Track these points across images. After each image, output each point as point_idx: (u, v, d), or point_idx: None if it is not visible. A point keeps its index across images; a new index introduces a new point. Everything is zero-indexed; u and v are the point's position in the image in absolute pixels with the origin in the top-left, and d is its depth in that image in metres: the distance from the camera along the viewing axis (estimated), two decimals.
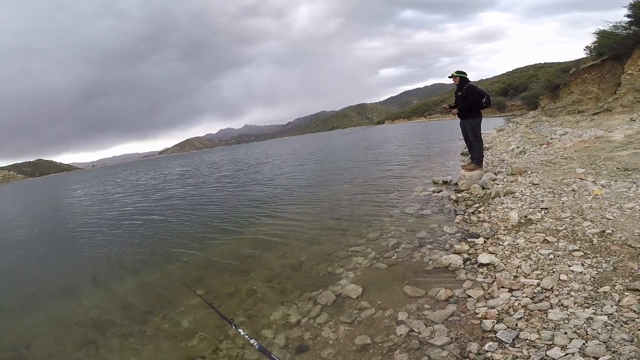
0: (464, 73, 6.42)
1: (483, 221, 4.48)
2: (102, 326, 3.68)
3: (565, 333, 2.05)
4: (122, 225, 8.81)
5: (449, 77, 6.52)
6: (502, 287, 2.80)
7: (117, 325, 3.64)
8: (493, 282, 2.94)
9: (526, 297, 2.55)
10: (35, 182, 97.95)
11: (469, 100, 6.26)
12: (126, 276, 5.05)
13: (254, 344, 1.71)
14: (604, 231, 3.22)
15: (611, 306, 2.17)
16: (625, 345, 1.82)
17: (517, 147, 9.51)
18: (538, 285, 2.64)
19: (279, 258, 4.72)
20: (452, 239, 4.20)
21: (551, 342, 2.01)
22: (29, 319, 4.14)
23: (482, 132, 6.74)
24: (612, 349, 1.82)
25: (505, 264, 3.16)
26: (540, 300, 2.46)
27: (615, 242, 2.99)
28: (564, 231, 3.46)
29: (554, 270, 2.80)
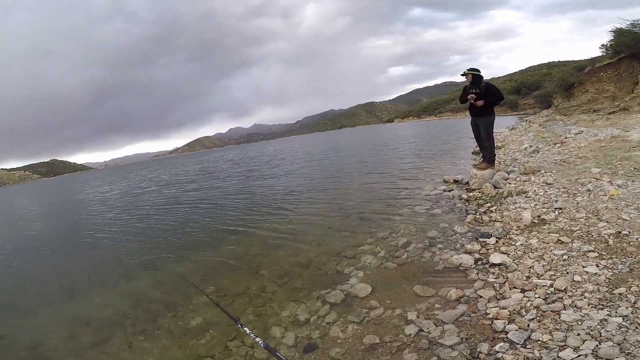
0: (478, 70, 6.31)
1: (495, 221, 4.42)
2: (114, 324, 3.74)
3: (578, 334, 2.01)
4: (135, 224, 8.95)
5: (462, 74, 6.42)
6: (514, 287, 2.76)
7: (130, 323, 3.70)
8: (505, 282, 2.90)
9: (539, 297, 2.51)
10: (50, 182, 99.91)
11: (491, 98, 6.19)
12: (138, 275, 5.12)
13: (260, 342, 1.72)
14: (620, 232, 3.15)
15: (626, 308, 2.12)
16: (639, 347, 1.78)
17: (530, 146, 9.35)
18: (551, 286, 2.60)
19: (289, 257, 4.73)
20: (463, 239, 4.16)
21: (564, 344, 1.98)
22: (44, 317, 4.24)
23: (494, 130, 6.64)
24: (626, 351, 1.78)
25: (517, 264, 3.12)
26: (553, 301, 2.41)
27: (631, 244, 2.92)
28: (578, 232, 3.40)
29: (567, 271, 2.75)
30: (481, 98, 6.19)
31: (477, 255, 3.55)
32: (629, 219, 3.37)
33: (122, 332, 3.55)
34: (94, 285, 5.04)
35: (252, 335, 1.79)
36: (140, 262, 5.66)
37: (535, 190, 5.05)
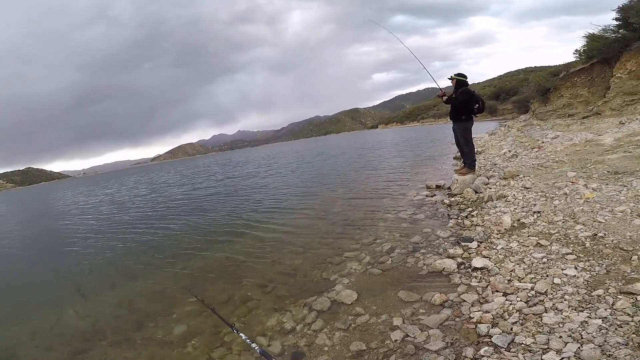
0: (464, 76, 6.48)
1: (476, 225, 4.50)
2: (94, 335, 3.62)
3: (561, 337, 2.05)
4: (115, 233, 8.70)
5: (449, 78, 6.63)
6: (497, 291, 2.80)
7: (110, 333, 3.59)
8: (487, 286, 2.94)
9: (520, 301, 2.55)
10: (25, 190, 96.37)
11: (457, 101, 6.39)
12: (118, 284, 4.98)
13: (256, 348, 1.69)
14: (596, 234, 3.24)
15: (605, 309, 2.18)
16: (620, 348, 1.82)
17: (509, 151, 9.59)
18: (532, 289, 2.65)
19: (273, 264, 4.68)
20: (445, 243, 4.20)
21: (547, 346, 2.01)
22: (19, 328, 4.06)
23: (474, 136, 6.78)
24: (608, 353, 1.82)
25: (499, 268, 3.17)
26: (535, 304, 2.46)
27: (607, 245, 3.01)
28: (556, 234, 3.48)
29: (547, 273, 2.81)
30: (451, 102, 6.49)
31: (459, 260, 3.60)
32: (604, 221, 3.48)
33: (103, 342, 3.43)
34: (74, 294, 4.88)
35: (248, 341, 1.77)
36: (121, 271, 5.50)
37: (514, 195, 5.17)
